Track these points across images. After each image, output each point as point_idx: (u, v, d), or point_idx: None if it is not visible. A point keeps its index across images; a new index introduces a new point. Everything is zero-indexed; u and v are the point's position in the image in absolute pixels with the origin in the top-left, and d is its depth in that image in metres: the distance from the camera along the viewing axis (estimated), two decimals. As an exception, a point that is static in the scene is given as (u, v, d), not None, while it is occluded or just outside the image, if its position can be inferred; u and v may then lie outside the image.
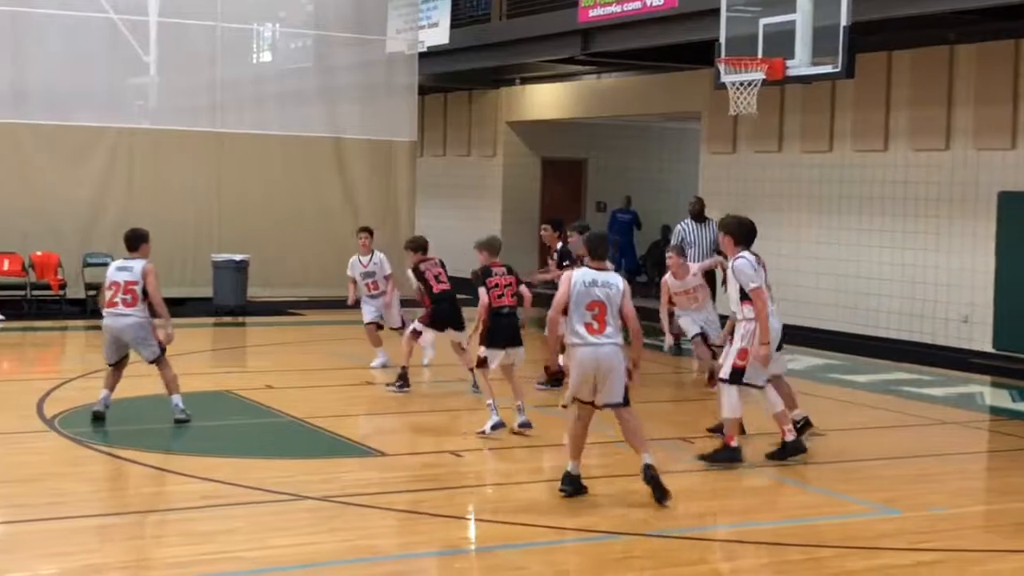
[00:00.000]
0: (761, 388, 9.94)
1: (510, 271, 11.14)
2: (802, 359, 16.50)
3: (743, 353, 9.78)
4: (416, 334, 12.79)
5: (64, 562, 7.16)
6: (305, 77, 22.93)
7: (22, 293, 19.34)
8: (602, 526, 8.17)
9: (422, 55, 23.05)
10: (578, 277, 8.73)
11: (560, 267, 13.20)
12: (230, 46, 22.36)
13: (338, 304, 19.15)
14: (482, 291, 10.87)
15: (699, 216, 16.80)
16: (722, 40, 15.28)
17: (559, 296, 8.72)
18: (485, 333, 10.84)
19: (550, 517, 8.36)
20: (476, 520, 8.66)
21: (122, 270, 10.90)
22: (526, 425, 10.81)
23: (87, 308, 19.29)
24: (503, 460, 10.25)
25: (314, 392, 13.09)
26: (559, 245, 13.90)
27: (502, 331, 10.79)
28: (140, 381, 11.60)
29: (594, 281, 8.69)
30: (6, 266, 19.50)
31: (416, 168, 23.64)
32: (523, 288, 11.23)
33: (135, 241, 10.97)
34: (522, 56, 22.45)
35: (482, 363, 10.82)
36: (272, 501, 8.59)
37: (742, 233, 10.00)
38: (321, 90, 22.54)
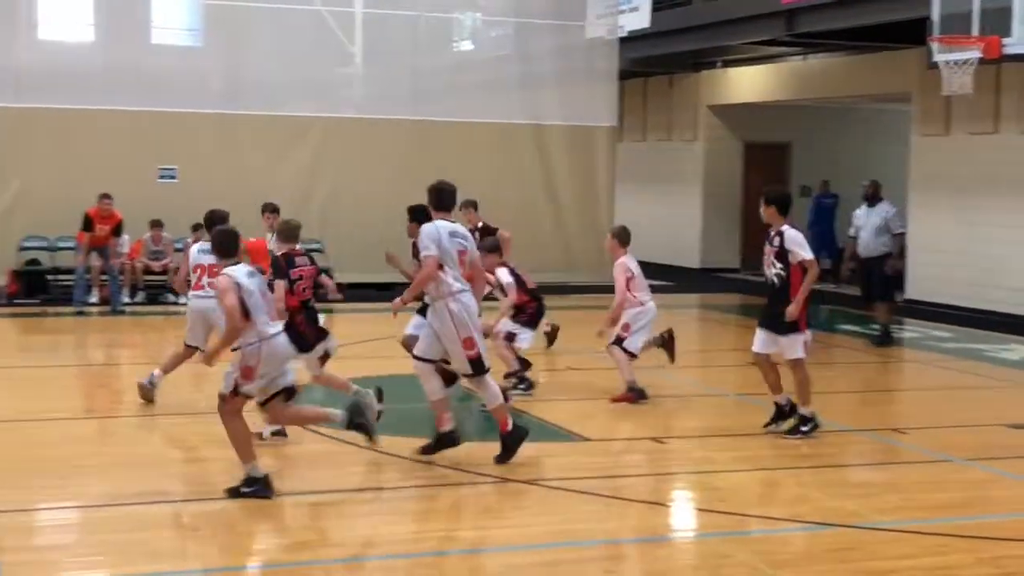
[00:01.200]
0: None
1: (312, 260, 10.26)
2: (1018, 348, 15.88)
3: None
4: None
5: (281, 537, 7.41)
6: (505, 65, 23.11)
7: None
8: (811, 516, 8.02)
9: (622, 40, 22.98)
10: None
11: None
12: (431, 35, 22.75)
13: (542, 289, 19.32)
14: (280, 284, 9.75)
15: (872, 199, 16.18)
16: (935, 18, 14.79)
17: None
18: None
19: (756, 506, 8.26)
20: (680, 507, 8.62)
21: (206, 253, 10.80)
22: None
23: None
24: (704, 448, 10.15)
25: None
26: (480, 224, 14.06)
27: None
28: (353, 364, 11.87)
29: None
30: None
31: (616, 154, 23.60)
32: (323, 278, 10.63)
33: (219, 225, 10.15)
34: (724, 38, 22.17)
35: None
36: (480, 483, 8.71)
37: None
38: (521, 77, 22.68)
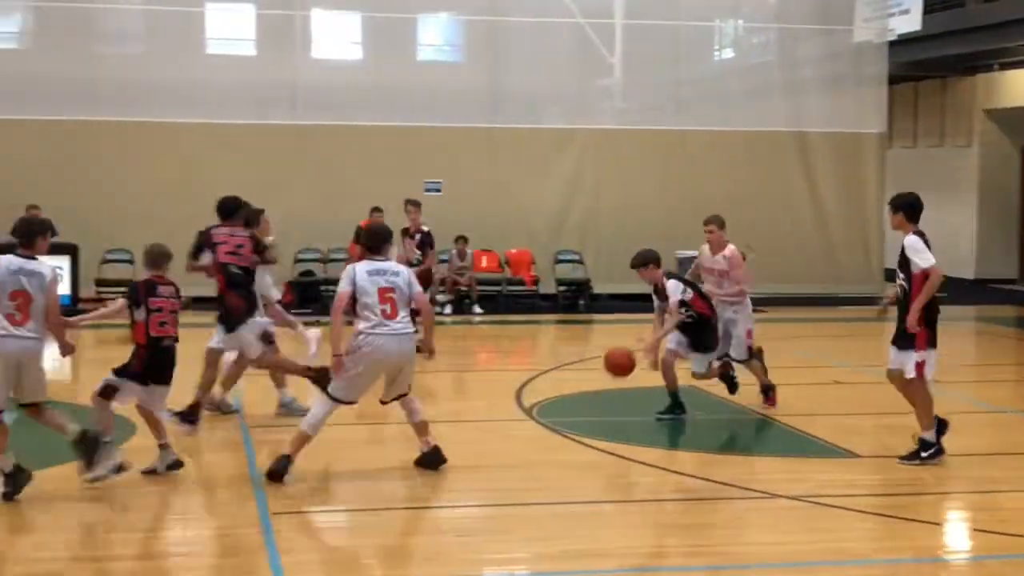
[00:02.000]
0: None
1: (178, 293, 8.91)
2: None
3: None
4: None
5: (540, 547, 7.41)
6: (767, 71, 22.68)
7: (498, 288, 20.35)
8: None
9: (891, 43, 22.22)
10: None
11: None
12: (692, 44, 22.55)
13: (807, 301, 18.82)
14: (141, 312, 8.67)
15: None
16: None
17: None
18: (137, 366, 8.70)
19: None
20: (958, 528, 8.19)
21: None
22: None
23: (558, 303, 20.10)
24: (984, 467, 9.62)
25: (780, 390, 12.86)
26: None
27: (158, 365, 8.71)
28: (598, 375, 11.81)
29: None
30: (484, 263, 20.60)
31: (884, 161, 22.81)
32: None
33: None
34: (1002, 40, 21.15)
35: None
36: (745, 498, 8.50)
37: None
38: (784, 84, 22.22)
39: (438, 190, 20.77)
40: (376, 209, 18.48)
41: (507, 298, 20.32)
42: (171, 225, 19.47)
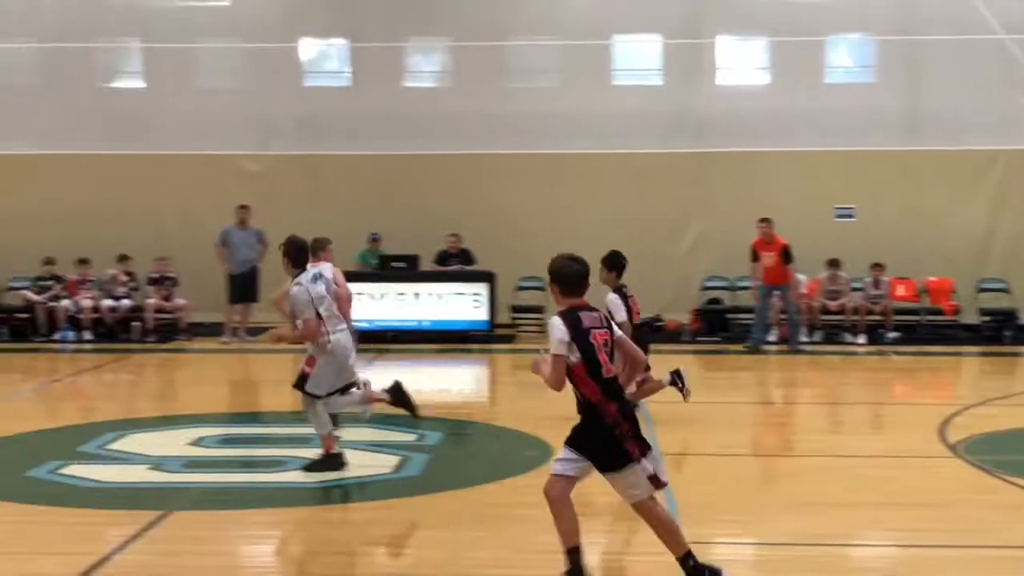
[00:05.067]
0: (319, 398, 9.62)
1: None
2: None
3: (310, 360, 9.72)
4: None
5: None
6: None
7: (916, 318, 19.41)
8: None
9: None
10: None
11: None
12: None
13: None
14: None
15: None
16: None
17: None
18: None
19: None
20: None
21: None
22: None
23: (980, 334, 18.94)
24: None
25: None
26: None
27: None
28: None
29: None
30: (901, 291, 19.71)
31: None
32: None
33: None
34: None
35: None
36: None
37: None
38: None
39: (851, 216, 20.08)
40: (763, 220, 17.98)
41: (925, 328, 19.34)
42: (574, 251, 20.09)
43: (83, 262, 19.72)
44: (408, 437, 11.12)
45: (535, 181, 20.50)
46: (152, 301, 19.45)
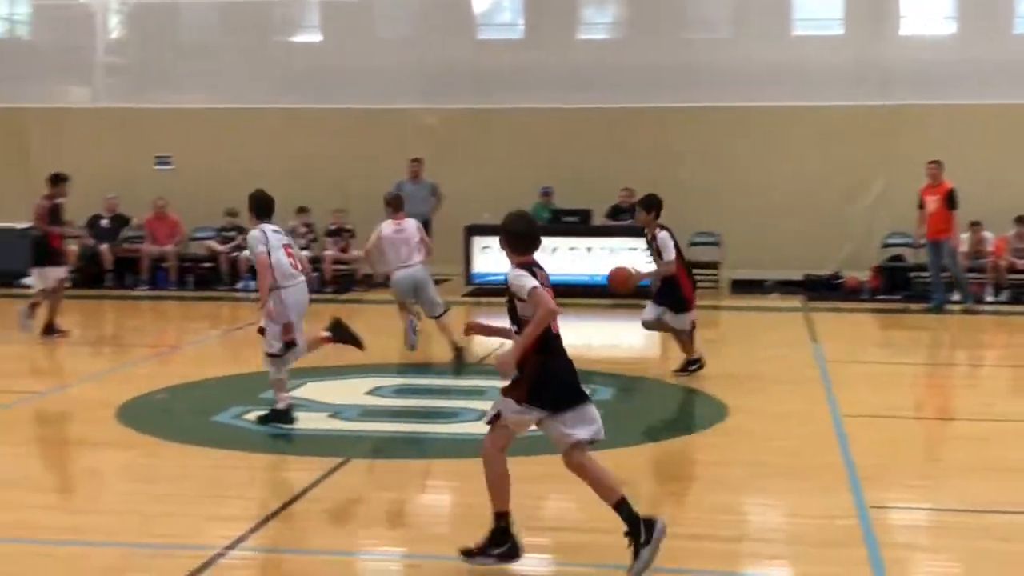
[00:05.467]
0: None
1: None
2: None
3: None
4: None
5: None
6: None
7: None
8: None
9: None
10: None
11: None
12: None
13: None
14: None
15: None
16: None
17: None
18: None
19: None
20: None
21: None
22: None
23: None
24: None
25: None
26: None
27: None
28: None
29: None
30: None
31: None
32: None
33: None
34: None
35: None
36: None
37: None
38: None
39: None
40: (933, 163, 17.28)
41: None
42: (751, 208, 19.80)
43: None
44: (581, 391, 11.09)
45: (711, 135, 20.17)
46: (330, 253, 19.84)
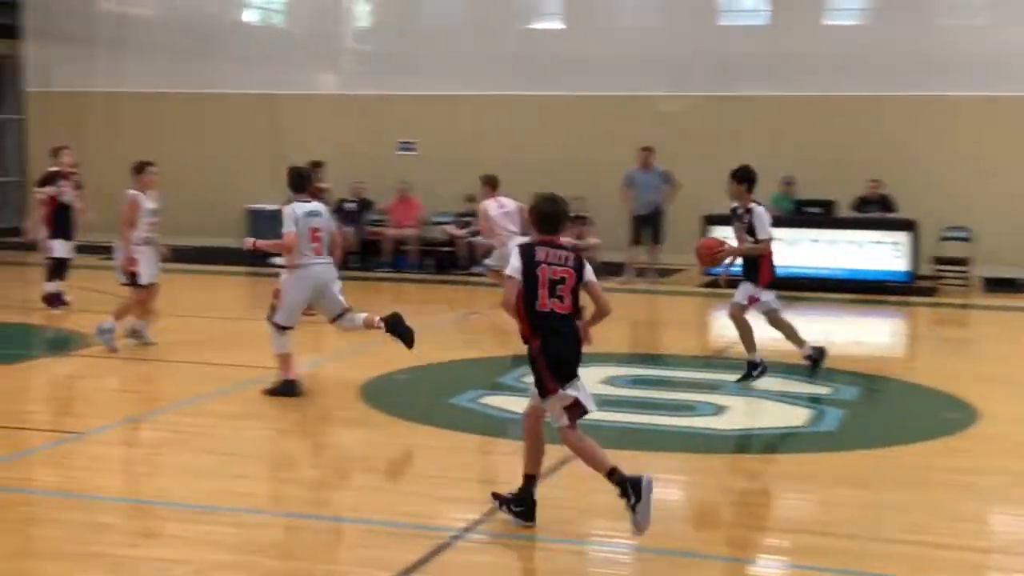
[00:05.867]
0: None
1: None
2: None
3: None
4: None
5: None
6: None
7: None
8: None
9: None
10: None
11: None
12: None
13: None
14: None
15: None
16: None
17: None
18: None
19: None
20: None
21: None
22: None
23: None
24: None
25: None
26: None
27: None
28: None
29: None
30: None
31: None
32: None
33: None
34: None
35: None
36: None
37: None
38: None
39: None
40: None
41: None
42: (1005, 202, 18.89)
43: (501, 199, 20.40)
44: (822, 390, 10.80)
45: (962, 125, 19.33)
46: (567, 239, 19.86)
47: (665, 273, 18.93)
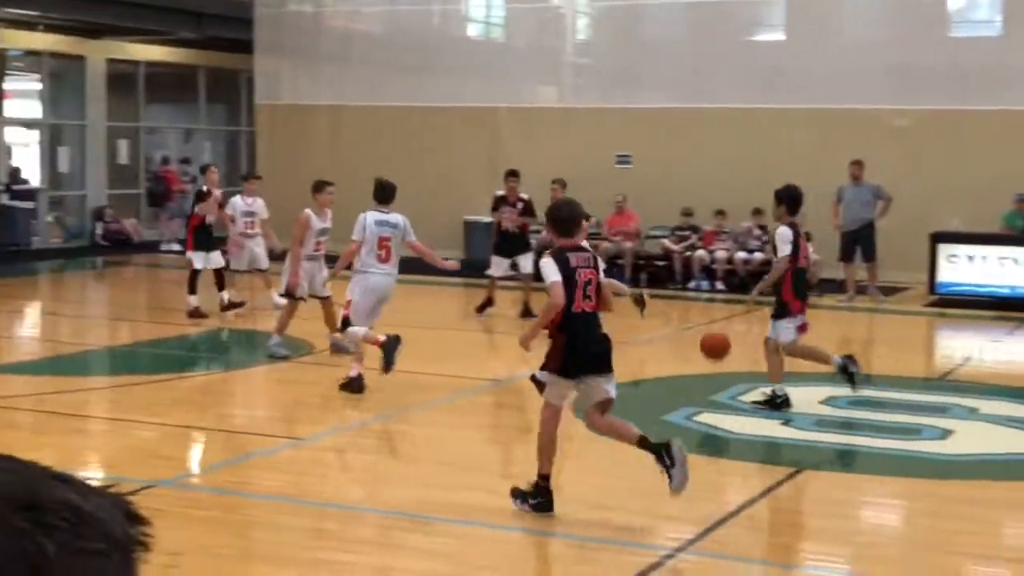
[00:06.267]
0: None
1: None
2: None
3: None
4: None
5: None
6: None
7: None
8: None
9: None
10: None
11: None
12: None
13: None
14: None
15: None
16: None
17: None
18: None
19: None
20: None
21: None
22: None
23: None
24: None
25: None
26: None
27: None
28: None
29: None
30: None
31: None
32: None
33: None
34: None
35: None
36: None
37: None
38: None
39: None
40: None
41: None
42: None
43: (719, 214, 20.12)
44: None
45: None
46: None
47: (889, 292, 18.31)
